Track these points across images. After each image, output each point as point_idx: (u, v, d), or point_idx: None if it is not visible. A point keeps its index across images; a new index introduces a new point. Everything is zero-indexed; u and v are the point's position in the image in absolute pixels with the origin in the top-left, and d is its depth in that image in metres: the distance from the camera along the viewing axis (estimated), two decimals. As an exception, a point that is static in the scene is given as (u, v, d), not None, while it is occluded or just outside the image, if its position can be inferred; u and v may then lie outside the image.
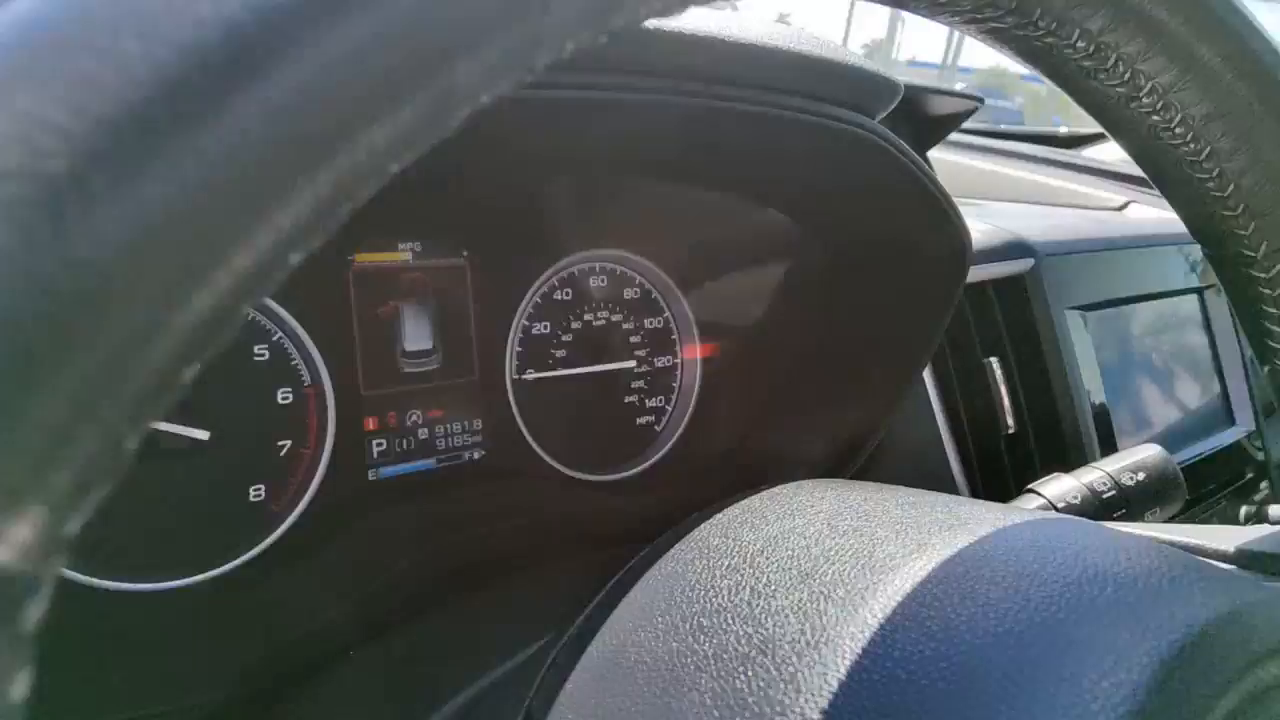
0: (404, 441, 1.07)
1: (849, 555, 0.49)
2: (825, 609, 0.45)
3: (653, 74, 0.75)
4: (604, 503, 1.17)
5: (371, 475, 1.04)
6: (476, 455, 1.13)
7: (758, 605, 0.47)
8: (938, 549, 0.47)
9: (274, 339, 0.96)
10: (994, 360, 1.21)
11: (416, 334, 1.07)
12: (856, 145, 0.88)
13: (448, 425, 1.11)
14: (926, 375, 1.20)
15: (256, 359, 0.95)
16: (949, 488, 1.18)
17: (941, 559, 0.46)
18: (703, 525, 0.58)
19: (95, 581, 0.84)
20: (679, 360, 1.34)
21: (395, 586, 0.93)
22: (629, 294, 1.28)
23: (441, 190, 1.04)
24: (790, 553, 0.51)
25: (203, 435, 0.88)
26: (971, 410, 1.20)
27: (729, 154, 0.97)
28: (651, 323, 1.31)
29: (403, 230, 1.06)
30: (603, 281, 1.25)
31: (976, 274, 1.22)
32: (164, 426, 0.86)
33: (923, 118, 1.75)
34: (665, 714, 0.42)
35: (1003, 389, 1.20)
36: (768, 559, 0.51)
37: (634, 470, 1.27)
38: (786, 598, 0.47)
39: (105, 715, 0.73)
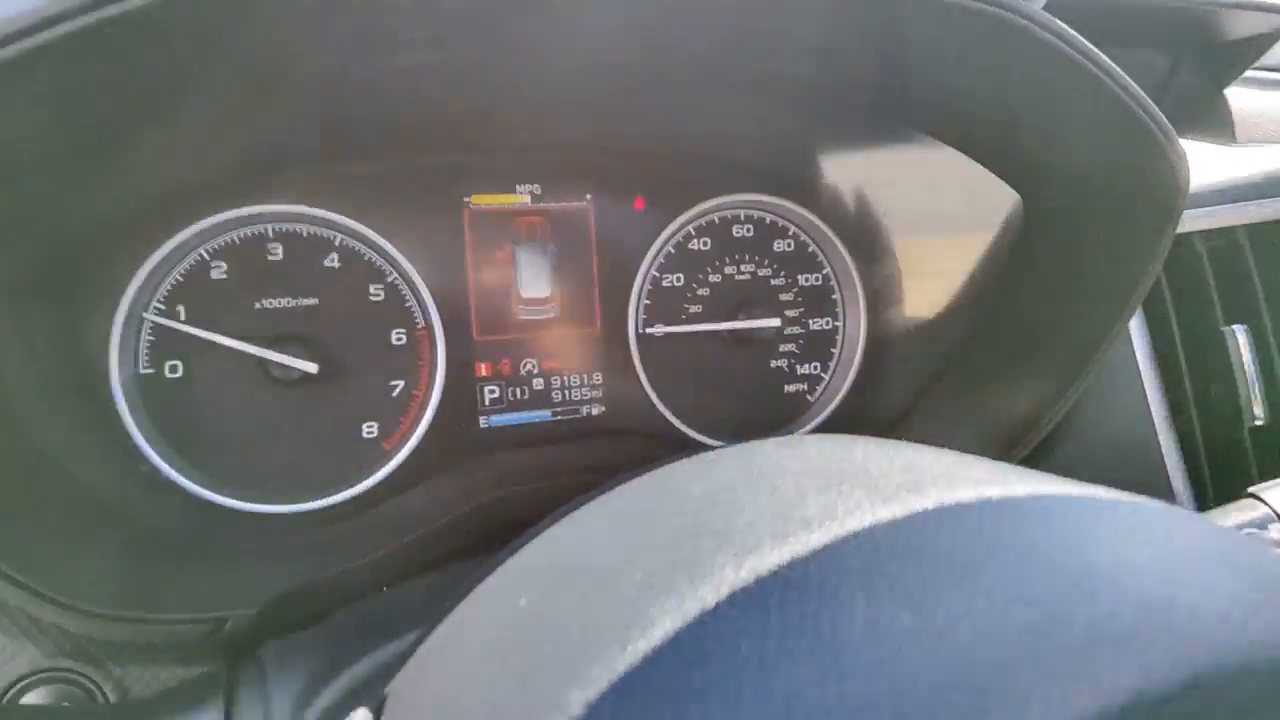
0: (517, 390, 1.04)
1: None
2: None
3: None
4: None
5: (483, 422, 1.03)
6: (595, 411, 1.08)
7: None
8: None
9: (389, 279, 0.98)
10: (1239, 329, 0.91)
11: (533, 280, 1.04)
12: (1008, 35, 0.68)
13: (565, 377, 1.06)
14: (1140, 345, 0.94)
15: (373, 299, 0.97)
16: (1159, 489, 0.91)
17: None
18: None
19: (220, 499, 0.90)
20: (840, 324, 1.18)
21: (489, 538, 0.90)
22: (780, 246, 1.15)
23: (565, 128, 1.00)
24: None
25: (312, 369, 0.91)
26: (1202, 392, 0.91)
27: (858, 61, 0.81)
28: (807, 279, 1.16)
29: (522, 171, 1.03)
30: (748, 230, 1.13)
31: (1222, 216, 0.93)
32: (275, 357, 0.90)
33: (1217, 42, 1.40)
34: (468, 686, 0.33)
35: (1250, 366, 0.90)
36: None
37: (777, 442, 1.14)
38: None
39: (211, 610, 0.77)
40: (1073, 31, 0.69)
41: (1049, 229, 0.90)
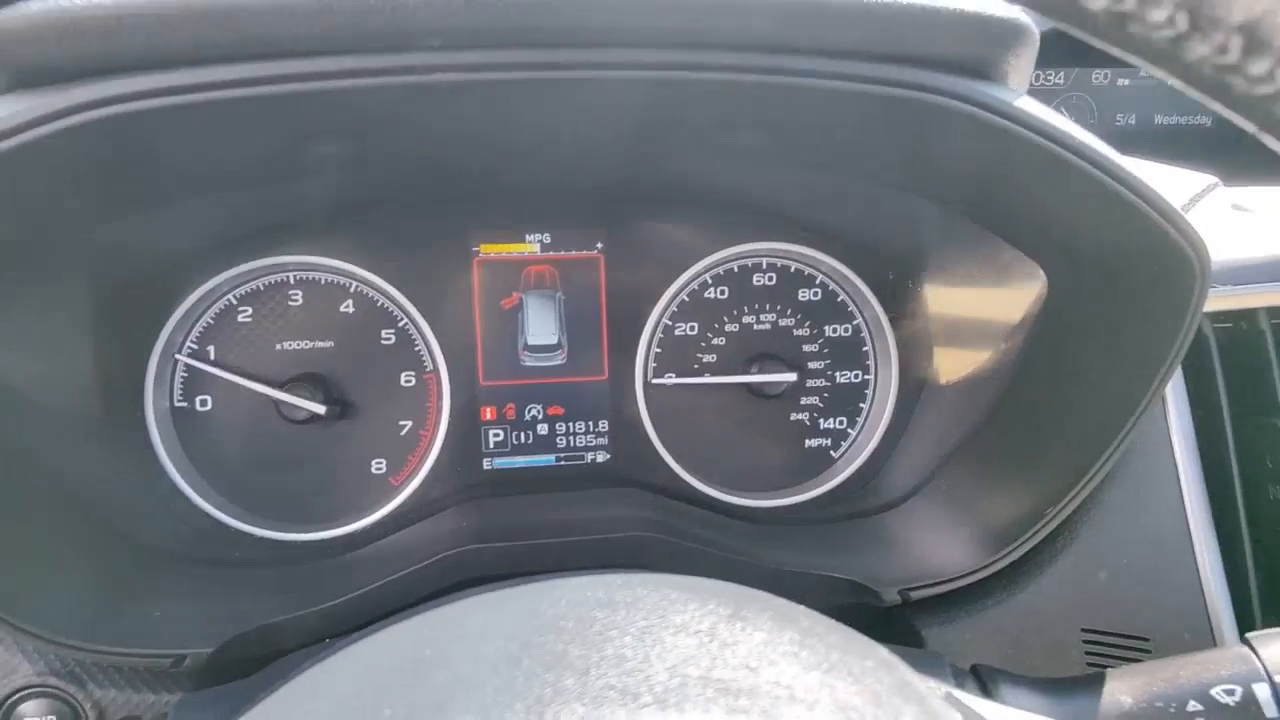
0: (522, 435, 1.06)
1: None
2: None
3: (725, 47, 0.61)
4: (742, 532, 1.03)
5: (486, 464, 1.06)
6: (600, 458, 1.08)
7: None
8: None
9: (400, 325, 1.02)
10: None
11: (540, 327, 1.05)
12: (956, 126, 0.63)
13: (570, 424, 1.07)
14: (1180, 437, 0.82)
15: (384, 342, 1.02)
16: (1190, 603, 0.80)
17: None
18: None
19: (234, 523, 0.99)
20: (872, 377, 1.12)
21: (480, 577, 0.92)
22: (806, 295, 1.10)
23: (576, 177, 1.00)
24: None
25: (319, 410, 0.97)
26: (1255, 493, 0.79)
27: (834, 138, 0.76)
28: (835, 330, 1.11)
29: (532, 220, 1.04)
30: (770, 279, 1.09)
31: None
32: (286, 398, 0.97)
33: None
34: None
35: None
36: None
37: (791, 499, 1.09)
38: None
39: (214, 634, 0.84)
40: (1088, 143, 0.63)
41: (1072, 308, 0.82)
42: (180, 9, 0.54)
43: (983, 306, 0.98)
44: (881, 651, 0.45)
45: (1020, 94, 0.64)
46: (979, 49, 0.62)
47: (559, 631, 0.39)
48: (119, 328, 0.93)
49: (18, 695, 0.75)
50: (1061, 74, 1.73)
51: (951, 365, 1.04)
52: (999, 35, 0.62)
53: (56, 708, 0.75)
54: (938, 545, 0.87)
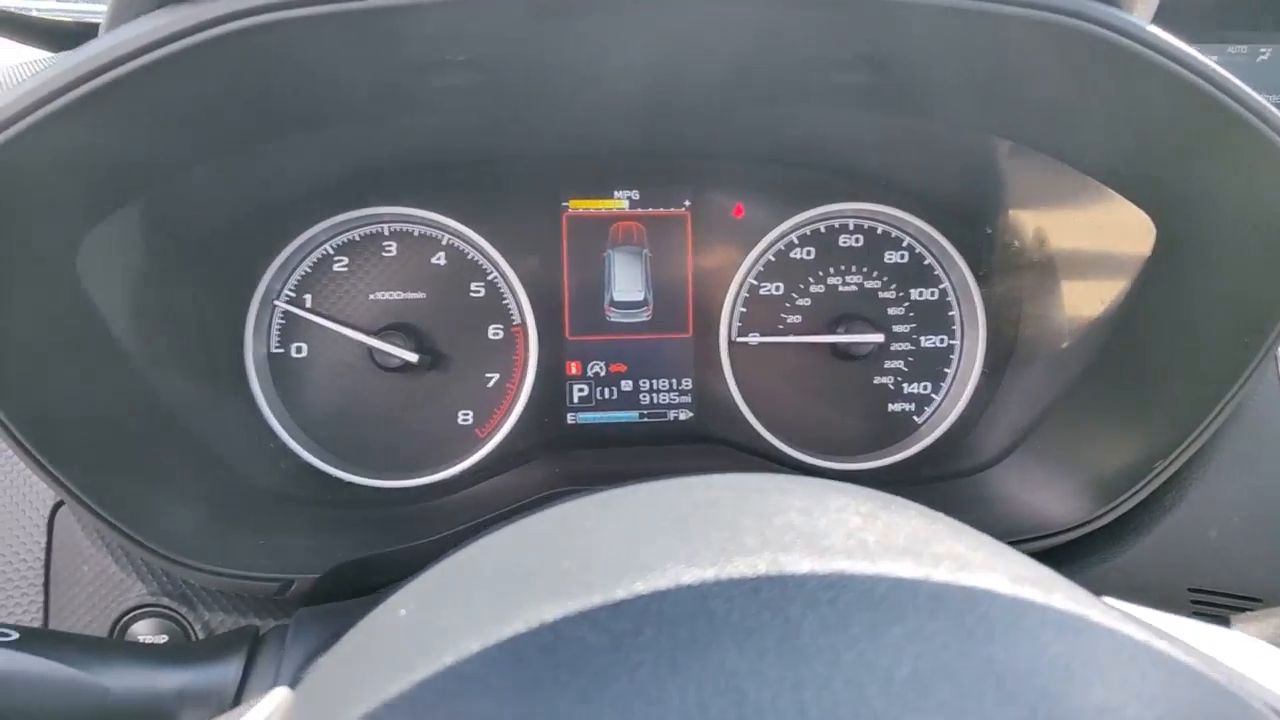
0: (606, 390, 1.07)
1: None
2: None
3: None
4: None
5: (570, 419, 1.06)
6: (683, 416, 1.08)
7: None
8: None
9: (489, 278, 1.04)
10: None
11: (627, 284, 1.06)
12: (1137, 67, 0.62)
13: (654, 381, 1.07)
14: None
15: (473, 295, 1.04)
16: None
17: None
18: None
19: (326, 468, 1.00)
20: (957, 342, 1.10)
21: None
22: (892, 258, 1.09)
23: (664, 134, 1.01)
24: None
25: (412, 358, 0.99)
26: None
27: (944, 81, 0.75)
28: (921, 294, 1.10)
29: (621, 177, 1.05)
30: (857, 240, 1.09)
31: None
32: (381, 345, 0.98)
33: None
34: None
35: None
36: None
37: (875, 463, 1.08)
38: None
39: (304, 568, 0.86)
40: (1210, 65, 0.61)
41: (1182, 258, 0.80)
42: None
43: (1080, 260, 0.96)
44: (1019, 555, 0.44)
45: (1148, 22, 0.63)
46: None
47: (718, 506, 0.39)
48: (220, 273, 0.96)
49: (133, 613, 0.77)
50: (1195, 49, 1.69)
51: (1045, 322, 1.02)
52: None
53: (168, 627, 0.77)
54: (1039, 500, 0.86)
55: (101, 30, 0.59)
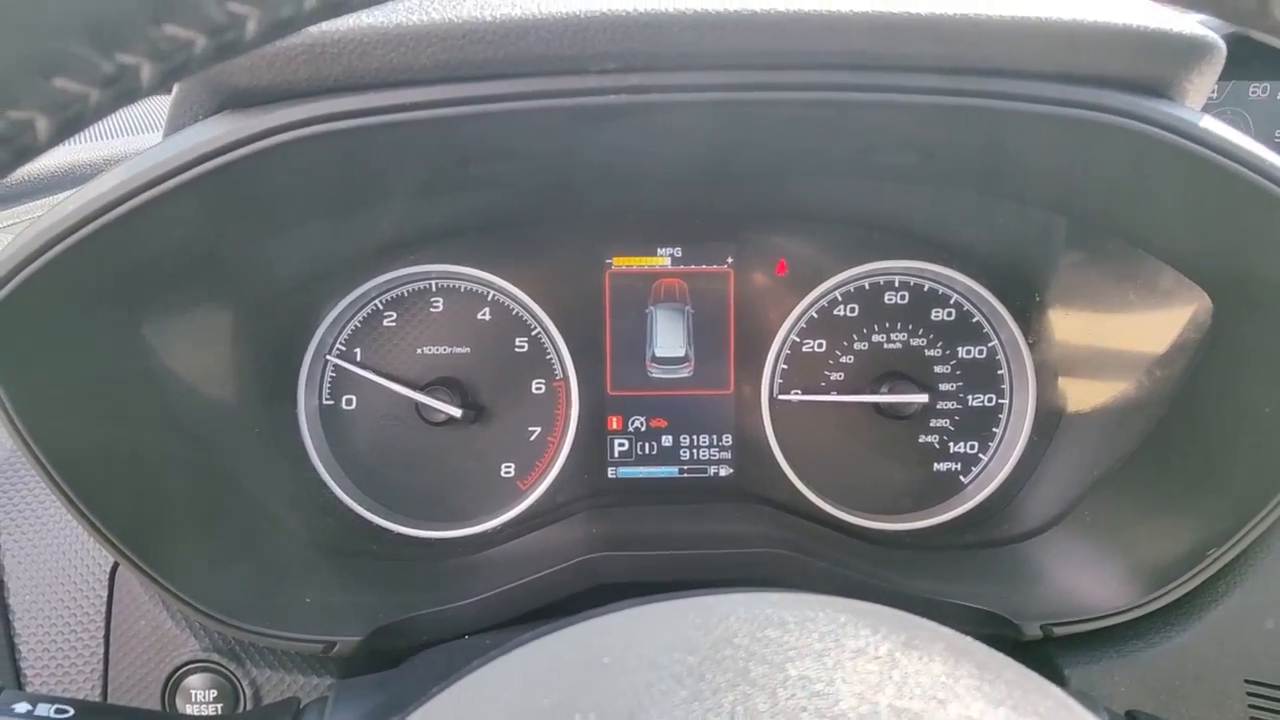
0: (646, 445, 1.08)
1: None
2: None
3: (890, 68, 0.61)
4: (870, 554, 1.00)
5: (611, 473, 1.07)
6: (723, 472, 1.08)
7: None
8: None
9: (533, 333, 1.05)
10: None
11: (669, 340, 1.06)
12: (1131, 146, 0.60)
13: (694, 437, 1.08)
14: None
15: (517, 350, 1.06)
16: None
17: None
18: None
19: (373, 518, 1.03)
20: (1006, 401, 1.08)
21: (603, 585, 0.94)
22: (939, 315, 1.07)
23: (708, 197, 1.02)
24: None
25: (456, 413, 1.01)
26: None
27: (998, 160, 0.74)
28: (969, 352, 1.08)
29: (664, 234, 1.06)
30: (902, 298, 1.07)
31: None
32: (426, 400, 1.01)
33: None
34: None
35: None
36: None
37: (918, 524, 1.07)
38: None
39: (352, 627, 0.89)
40: (1262, 156, 0.60)
41: (1240, 339, 0.77)
42: (375, 35, 0.58)
43: (1133, 330, 0.94)
44: (1057, 692, 0.43)
45: (1202, 116, 0.62)
46: (1161, 68, 0.59)
47: (735, 647, 0.40)
48: (277, 330, 1.00)
49: (185, 668, 0.80)
50: (1215, 87, 1.63)
51: (1096, 391, 0.99)
52: (1181, 52, 0.60)
53: (218, 682, 0.80)
54: (1085, 579, 0.84)
55: (163, 133, 0.62)
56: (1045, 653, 0.84)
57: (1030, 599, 0.83)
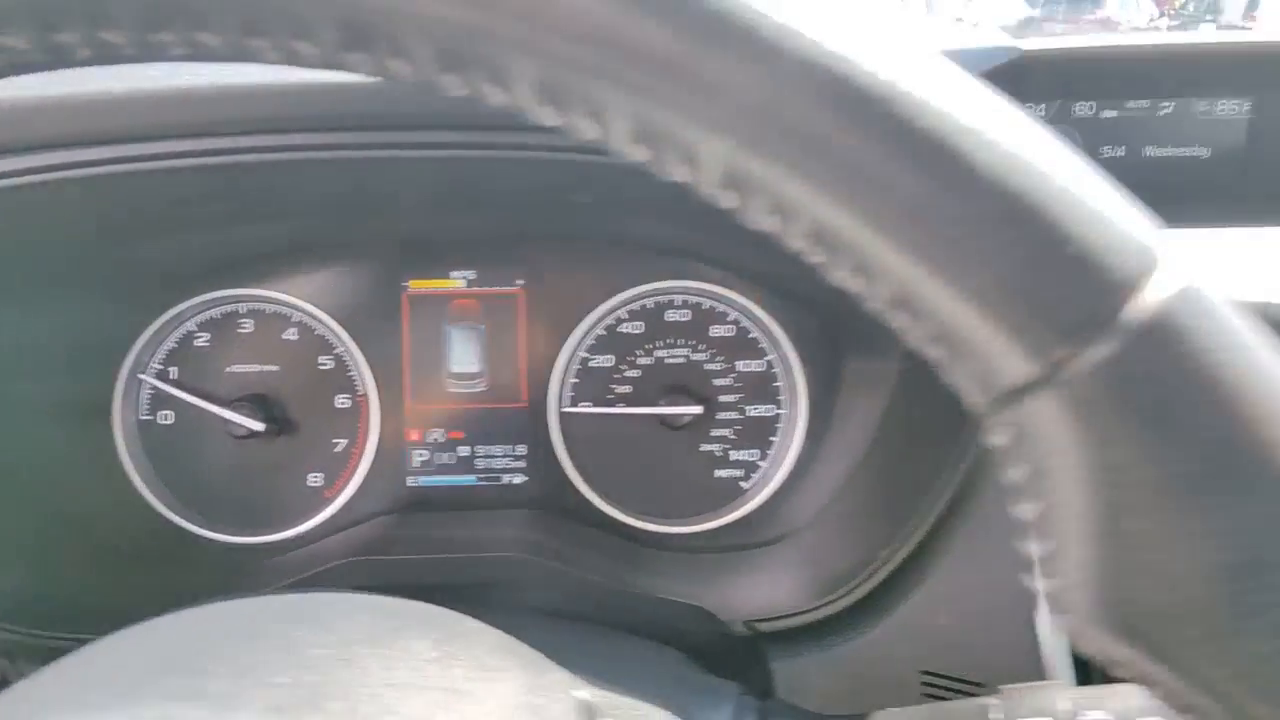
0: (445, 455, 1.15)
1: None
2: None
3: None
4: (627, 557, 1.08)
5: (410, 481, 1.15)
6: (517, 480, 1.16)
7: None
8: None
9: (336, 351, 1.13)
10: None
11: (464, 357, 1.14)
12: None
13: (490, 447, 1.15)
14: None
15: (321, 367, 1.13)
16: (1027, 664, 0.81)
17: None
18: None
19: (187, 525, 1.11)
20: (781, 411, 1.15)
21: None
22: (719, 331, 1.15)
23: (498, 218, 1.09)
24: None
25: (259, 427, 1.09)
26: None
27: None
28: (747, 365, 1.15)
29: (457, 259, 1.13)
30: (684, 315, 1.15)
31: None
32: (230, 415, 1.09)
33: None
34: None
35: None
36: None
37: (700, 526, 1.14)
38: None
39: None
40: None
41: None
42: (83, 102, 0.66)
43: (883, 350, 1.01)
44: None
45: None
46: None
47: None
48: (92, 350, 1.08)
49: (-29, 670, 0.88)
50: (1043, 106, 1.70)
51: (849, 407, 1.06)
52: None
53: (-9, 678, 0.88)
54: (785, 580, 0.91)
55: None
56: (759, 649, 0.91)
57: (739, 599, 0.91)
